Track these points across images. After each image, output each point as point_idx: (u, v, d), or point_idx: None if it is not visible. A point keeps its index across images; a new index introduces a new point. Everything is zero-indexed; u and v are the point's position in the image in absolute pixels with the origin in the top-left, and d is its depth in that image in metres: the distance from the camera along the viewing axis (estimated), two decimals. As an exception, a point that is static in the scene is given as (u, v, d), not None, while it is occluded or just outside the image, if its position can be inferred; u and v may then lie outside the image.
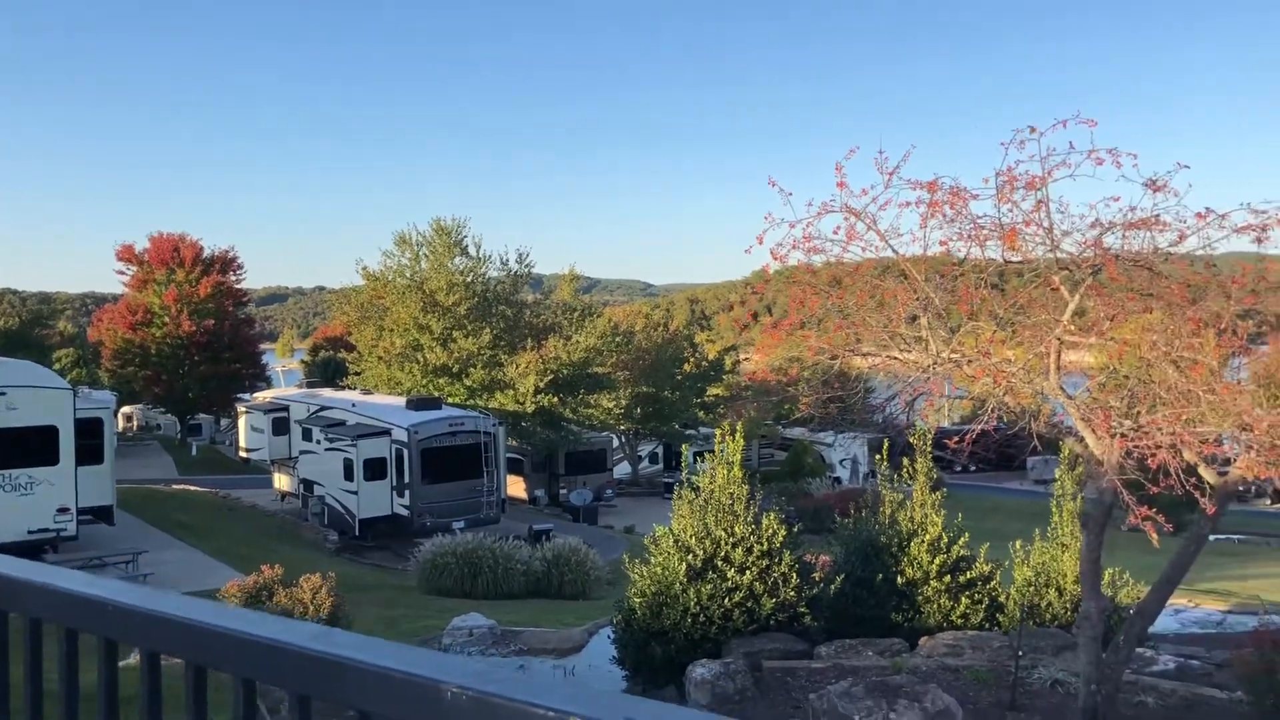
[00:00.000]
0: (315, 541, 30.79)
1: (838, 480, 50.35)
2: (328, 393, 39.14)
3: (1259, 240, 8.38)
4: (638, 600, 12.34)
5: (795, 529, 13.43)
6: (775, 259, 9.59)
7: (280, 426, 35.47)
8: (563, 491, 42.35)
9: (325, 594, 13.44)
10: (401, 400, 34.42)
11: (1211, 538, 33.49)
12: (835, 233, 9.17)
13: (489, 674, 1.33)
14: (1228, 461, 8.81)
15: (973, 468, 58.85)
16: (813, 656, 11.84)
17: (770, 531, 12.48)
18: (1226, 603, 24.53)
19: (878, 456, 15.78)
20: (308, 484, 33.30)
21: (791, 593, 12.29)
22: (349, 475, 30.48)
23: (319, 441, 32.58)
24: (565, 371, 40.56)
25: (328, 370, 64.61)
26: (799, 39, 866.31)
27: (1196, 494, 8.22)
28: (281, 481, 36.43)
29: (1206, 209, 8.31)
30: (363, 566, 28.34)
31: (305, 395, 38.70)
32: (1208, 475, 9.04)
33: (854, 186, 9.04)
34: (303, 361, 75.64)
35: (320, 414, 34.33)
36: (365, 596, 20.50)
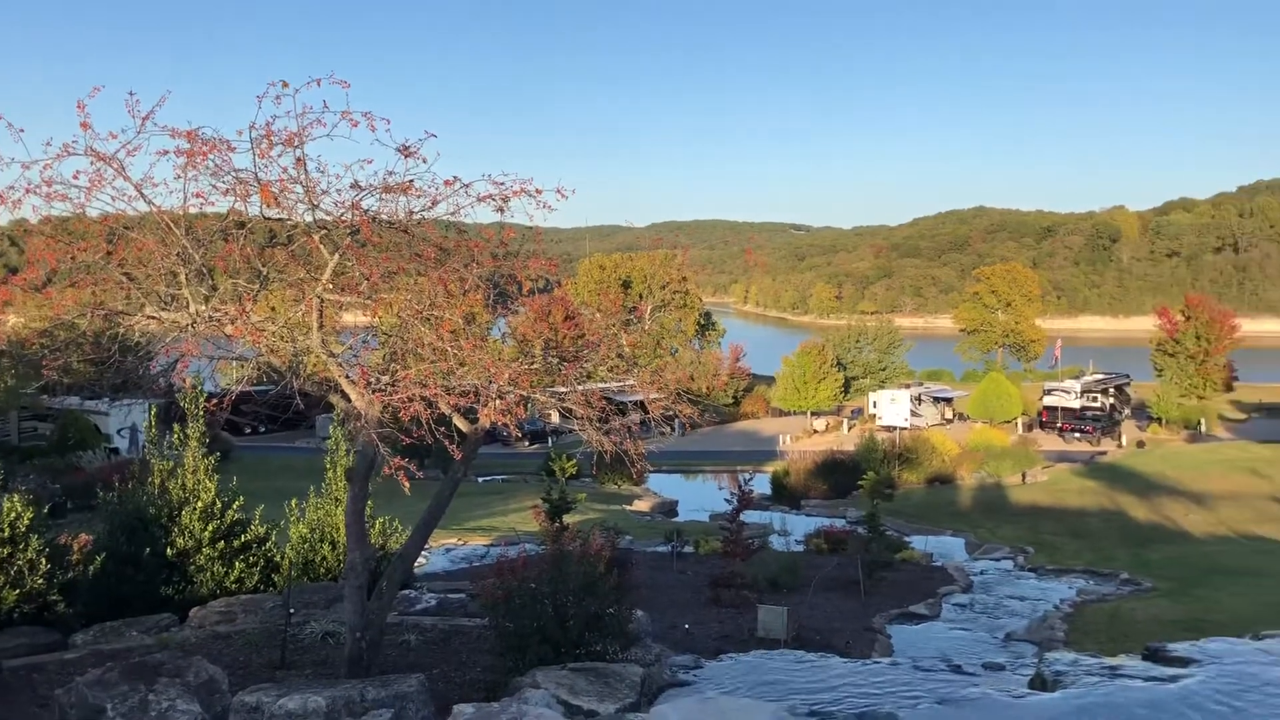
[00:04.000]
0: None
1: (115, 451, 46.47)
2: None
3: (500, 209, 9.20)
4: None
5: (46, 510, 12.06)
6: (3, 204, 8.38)
7: None
8: None
9: None
10: None
11: (480, 479, 36.56)
12: (75, 177, 8.24)
13: None
14: (474, 410, 9.65)
15: (263, 429, 58.35)
16: (67, 647, 10.72)
17: (13, 515, 11.01)
18: (490, 537, 27.32)
19: (146, 424, 14.72)
20: None
21: (40, 580, 11.00)
22: None
23: None
24: None
25: None
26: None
27: (447, 442, 8.89)
28: None
29: (454, 177, 8.95)
30: None
31: None
32: (460, 423, 9.85)
33: (109, 129, 8.22)
34: None
35: None
36: None
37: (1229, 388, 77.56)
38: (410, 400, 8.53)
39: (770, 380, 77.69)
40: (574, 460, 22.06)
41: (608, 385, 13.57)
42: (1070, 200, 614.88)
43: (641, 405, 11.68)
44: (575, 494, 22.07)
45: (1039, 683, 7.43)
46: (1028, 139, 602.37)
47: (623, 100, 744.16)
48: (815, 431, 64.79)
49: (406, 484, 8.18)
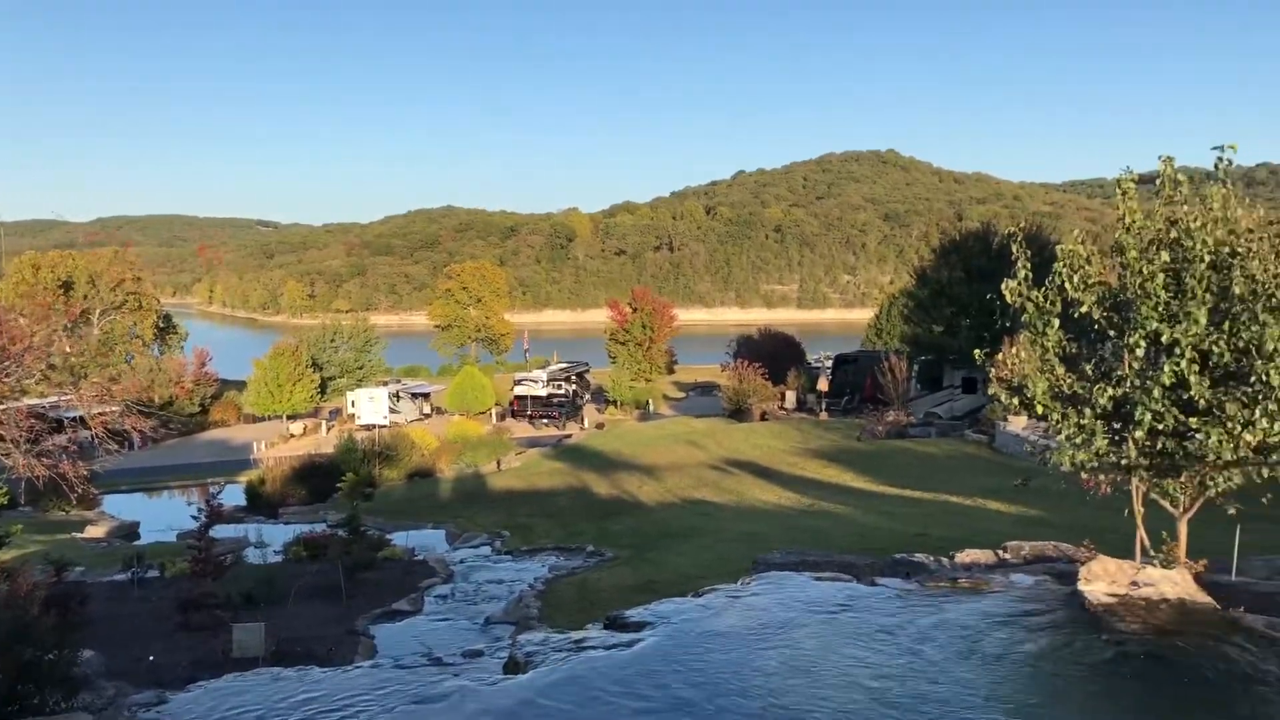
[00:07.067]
0: None
1: None
2: None
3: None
4: None
5: None
6: None
7: None
8: None
9: None
10: None
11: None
12: None
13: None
14: None
15: None
16: None
17: None
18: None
19: None
20: None
21: None
22: None
23: None
24: None
25: None
26: None
27: None
28: None
29: None
30: None
31: None
32: None
33: None
34: None
35: None
36: None
37: (670, 370, 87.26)
38: None
39: (242, 385, 73.83)
40: (3, 488, 19.26)
41: (41, 401, 12.00)
42: (531, 202, 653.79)
43: (83, 421, 10.46)
44: (9, 526, 19.30)
45: (513, 666, 7.73)
46: (491, 141, 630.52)
47: (58, 82, 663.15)
48: (293, 435, 62.61)
49: None
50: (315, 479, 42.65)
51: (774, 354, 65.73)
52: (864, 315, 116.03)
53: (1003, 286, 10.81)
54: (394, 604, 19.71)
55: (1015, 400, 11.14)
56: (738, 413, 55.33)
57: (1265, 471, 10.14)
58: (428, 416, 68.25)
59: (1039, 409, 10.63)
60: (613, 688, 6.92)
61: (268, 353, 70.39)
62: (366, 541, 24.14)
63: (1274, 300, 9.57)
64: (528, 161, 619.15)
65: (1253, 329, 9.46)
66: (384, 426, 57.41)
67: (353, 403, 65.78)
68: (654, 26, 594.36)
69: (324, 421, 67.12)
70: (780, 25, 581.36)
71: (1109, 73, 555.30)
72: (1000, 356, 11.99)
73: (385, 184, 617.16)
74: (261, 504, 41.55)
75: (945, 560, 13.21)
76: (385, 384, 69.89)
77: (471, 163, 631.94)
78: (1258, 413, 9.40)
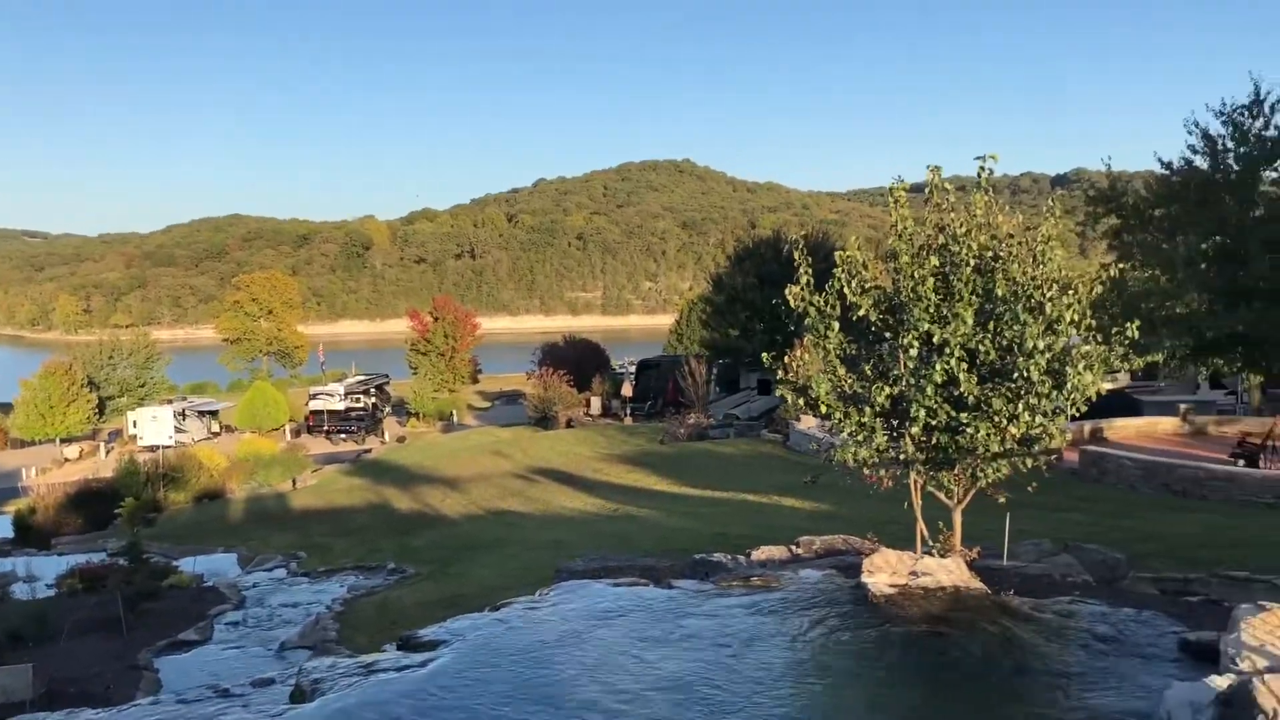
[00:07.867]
0: None
1: None
2: None
3: None
4: None
5: None
6: None
7: None
8: None
9: None
10: None
11: None
12: None
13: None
14: None
15: None
16: None
17: None
18: None
19: None
20: None
21: None
22: None
23: None
24: None
25: None
26: None
27: None
28: None
29: None
30: None
31: None
32: None
33: None
34: None
35: None
36: None
37: (475, 380, 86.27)
38: None
39: (8, 407, 68.40)
40: None
41: None
42: (324, 209, 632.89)
43: None
44: None
45: (299, 694, 7.41)
46: (280, 147, 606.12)
47: None
48: (68, 460, 58.47)
49: None
50: (93, 505, 39.93)
51: (579, 361, 66.02)
52: (665, 321, 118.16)
53: (787, 292, 11.18)
54: (180, 634, 18.67)
55: (801, 400, 11.54)
56: (543, 420, 55.22)
57: (1029, 461, 10.87)
58: (217, 435, 65.07)
59: (823, 409, 11.05)
60: (404, 711, 6.72)
61: (37, 372, 65.50)
62: (150, 569, 22.84)
63: (1033, 301, 10.27)
64: (320, 167, 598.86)
65: (1015, 328, 10.12)
66: (169, 447, 54.36)
67: (134, 423, 61.98)
68: (466, 27, 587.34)
69: (103, 444, 63.00)
70: (575, 33, 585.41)
71: (889, 83, 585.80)
72: (788, 359, 12.42)
73: (166, 191, 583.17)
74: (32, 535, 38.57)
75: (742, 558, 13.54)
76: (170, 402, 66.24)
77: (259, 169, 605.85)
78: (1020, 407, 10.07)
